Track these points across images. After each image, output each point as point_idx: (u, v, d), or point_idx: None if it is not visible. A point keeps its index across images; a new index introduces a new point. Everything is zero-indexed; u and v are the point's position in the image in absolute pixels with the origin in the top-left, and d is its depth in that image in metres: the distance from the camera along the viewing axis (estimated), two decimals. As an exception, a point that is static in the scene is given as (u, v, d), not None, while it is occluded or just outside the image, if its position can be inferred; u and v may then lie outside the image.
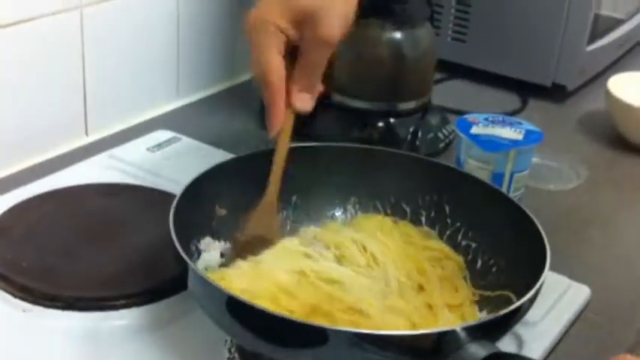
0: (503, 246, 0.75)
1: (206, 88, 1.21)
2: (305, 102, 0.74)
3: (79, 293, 0.73)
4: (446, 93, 1.21)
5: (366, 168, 0.82)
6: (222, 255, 0.76)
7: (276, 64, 0.71)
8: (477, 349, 0.57)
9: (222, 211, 0.76)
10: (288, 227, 0.81)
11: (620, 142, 1.15)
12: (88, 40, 1.00)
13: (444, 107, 1.15)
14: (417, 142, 1.06)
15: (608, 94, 1.15)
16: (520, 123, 0.94)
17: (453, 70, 1.30)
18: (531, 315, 0.73)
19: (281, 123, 0.74)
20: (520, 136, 0.91)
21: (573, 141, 1.16)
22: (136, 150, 1.00)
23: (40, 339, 0.70)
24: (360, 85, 1.06)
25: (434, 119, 1.09)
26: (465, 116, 0.95)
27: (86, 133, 1.04)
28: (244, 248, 0.73)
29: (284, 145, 0.75)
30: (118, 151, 0.99)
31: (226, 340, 0.70)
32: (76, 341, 0.70)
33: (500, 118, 0.94)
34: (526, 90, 1.27)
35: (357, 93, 1.06)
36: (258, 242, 0.73)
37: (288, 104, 0.74)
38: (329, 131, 1.06)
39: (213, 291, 0.62)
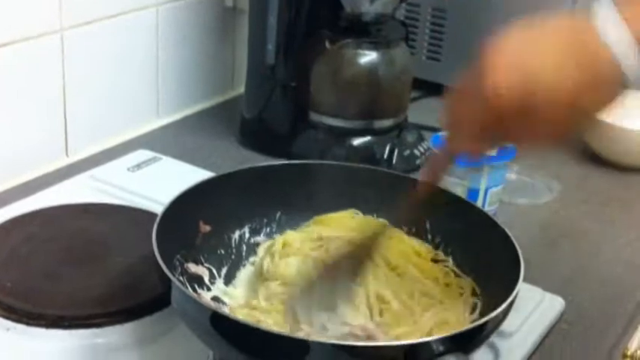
0: (479, 260, 0.77)
1: (186, 108, 1.22)
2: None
3: (63, 312, 0.74)
4: (422, 111, 1.24)
5: (349, 184, 0.84)
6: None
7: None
8: None
9: (206, 228, 0.77)
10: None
11: (591, 158, 1.17)
12: (69, 62, 1.01)
13: (420, 125, 1.17)
14: (394, 160, 1.08)
15: (579, 111, 1.17)
16: (493, 140, 0.96)
17: (428, 88, 1.33)
18: (507, 325, 0.74)
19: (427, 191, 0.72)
20: (493, 152, 0.93)
21: (546, 157, 1.18)
22: (117, 170, 1.01)
23: (23, 358, 0.71)
24: (337, 104, 1.08)
25: (410, 137, 1.12)
26: (440, 133, 0.97)
27: (66, 154, 1.05)
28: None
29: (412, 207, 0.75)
30: (99, 171, 1.00)
31: (208, 355, 0.72)
32: (60, 359, 0.71)
33: (475, 135, 0.96)
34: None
35: (335, 112, 1.08)
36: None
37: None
38: (307, 150, 1.08)
39: (196, 307, 0.64)
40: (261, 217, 0.82)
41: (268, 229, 0.83)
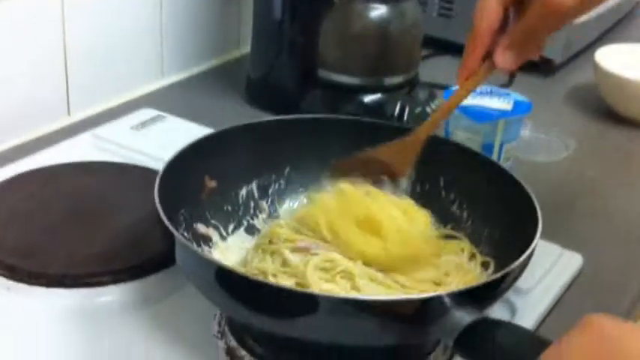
0: (496, 216, 0.74)
1: (191, 67, 1.19)
2: (507, 60, 0.68)
3: (65, 270, 0.72)
4: (433, 69, 1.20)
5: (360, 140, 0.81)
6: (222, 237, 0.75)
7: (490, 8, 0.67)
8: (463, 316, 0.56)
9: (212, 183, 0.75)
10: (288, 200, 0.80)
11: (608, 114, 1.14)
12: (70, 19, 0.98)
13: (432, 83, 1.14)
14: (405, 117, 1.05)
15: (595, 66, 1.14)
16: (508, 94, 0.93)
17: (439, 46, 1.29)
18: (524, 282, 0.72)
19: (471, 71, 0.69)
20: (509, 107, 0.90)
21: (562, 114, 1.16)
22: (120, 129, 0.98)
23: (24, 318, 0.69)
24: (346, 60, 1.05)
25: (422, 94, 1.08)
26: (453, 88, 0.94)
27: (68, 113, 1.02)
28: (359, 166, 0.71)
29: (461, 94, 0.71)
30: (102, 130, 0.98)
31: (215, 314, 0.70)
32: (62, 319, 0.69)
33: (489, 90, 0.93)
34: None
35: (344, 68, 1.05)
36: (377, 168, 0.71)
37: (488, 57, 0.68)
38: (315, 108, 1.05)
39: (201, 262, 0.61)
40: (269, 173, 0.80)
41: (277, 186, 0.80)
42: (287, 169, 0.80)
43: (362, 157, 0.73)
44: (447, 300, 0.57)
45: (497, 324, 0.56)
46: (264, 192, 0.80)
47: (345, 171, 0.73)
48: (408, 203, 0.73)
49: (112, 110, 1.06)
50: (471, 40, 0.68)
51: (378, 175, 0.72)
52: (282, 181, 0.80)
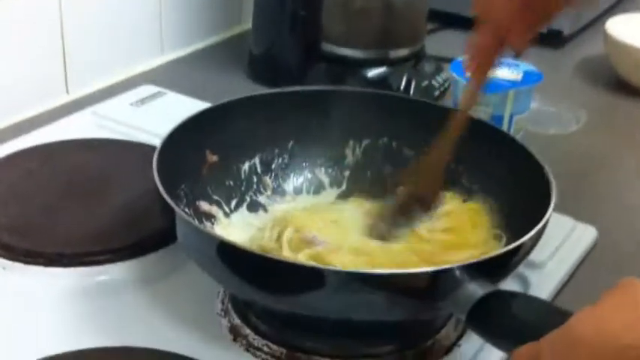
0: (507, 188, 0.72)
1: (192, 44, 1.17)
2: (522, 42, 0.65)
3: (62, 249, 0.69)
4: (439, 43, 1.18)
5: (363, 112, 0.78)
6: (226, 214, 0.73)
7: None
8: (476, 289, 0.54)
9: (213, 157, 0.72)
10: (292, 175, 0.78)
11: (619, 86, 1.11)
12: (66, -6, 0.96)
13: (438, 56, 1.11)
14: (412, 91, 1.02)
15: (606, 36, 1.11)
16: (517, 64, 0.90)
17: (445, 19, 1.26)
18: (537, 256, 0.70)
19: (480, 58, 0.66)
20: (519, 77, 0.87)
21: (572, 86, 1.13)
22: (120, 106, 0.96)
23: (20, 297, 0.67)
24: (350, 32, 1.02)
25: (428, 67, 1.06)
26: (460, 59, 0.91)
27: (67, 91, 1.00)
28: (401, 210, 0.69)
29: (472, 94, 0.68)
30: (101, 107, 0.95)
31: (219, 292, 0.67)
32: (59, 299, 0.67)
33: (497, 60, 0.90)
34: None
35: (348, 41, 1.02)
36: (415, 203, 0.69)
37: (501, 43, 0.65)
38: (319, 82, 1.02)
39: (203, 238, 0.59)
40: (272, 147, 0.77)
41: (280, 160, 0.78)
42: (290, 143, 0.78)
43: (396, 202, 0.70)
44: (458, 273, 0.55)
45: (513, 296, 0.53)
46: (267, 167, 0.77)
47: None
48: None
49: (111, 87, 1.03)
50: (480, 21, 0.65)
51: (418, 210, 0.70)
52: (285, 156, 0.78)
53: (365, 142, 0.78)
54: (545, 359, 0.45)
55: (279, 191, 0.77)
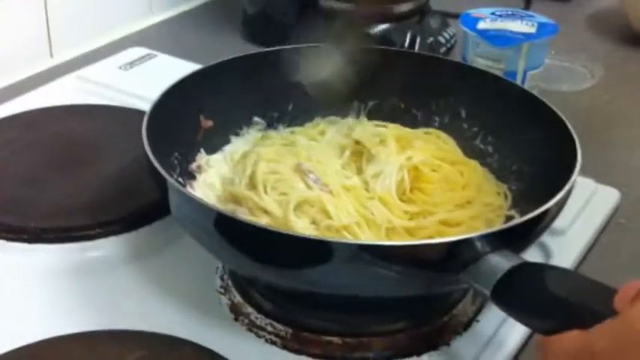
0: (525, 148, 0.67)
1: (182, 3, 1.12)
2: None
3: (48, 224, 0.65)
4: (444, -3, 1.12)
5: (368, 71, 0.73)
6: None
7: None
8: (500, 261, 0.49)
9: (208, 123, 0.67)
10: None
11: (634, 39, 1.07)
12: (46, -50, 0.90)
13: (444, 12, 1.06)
14: (416, 48, 0.97)
15: (620, -14, 1.05)
16: (532, 16, 0.85)
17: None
18: (558, 223, 0.64)
19: None
20: (533, 30, 0.82)
21: (584, 40, 1.08)
22: (107, 69, 0.91)
23: (2, 277, 0.62)
24: (350, -14, 0.97)
25: (433, 22, 1.01)
26: (470, 11, 0.86)
27: (51, 55, 0.95)
28: None
29: None
30: (87, 71, 0.90)
31: (217, 267, 0.63)
32: (46, 277, 0.62)
33: (509, 12, 0.85)
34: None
35: (347, -5, 0.97)
36: None
37: None
38: (318, 41, 0.96)
39: (198, 209, 0.54)
40: (271, 110, 0.72)
41: (280, 125, 0.72)
42: (290, 106, 0.73)
43: None
44: (479, 243, 0.50)
45: (544, 268, 0.49)
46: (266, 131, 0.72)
47: None
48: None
49: (98, 50, 0.98)
50: None
51: None
52: (285, 119, 0.73)
53: (371, 103, 0.73)
54: (603, 356, 0.39)
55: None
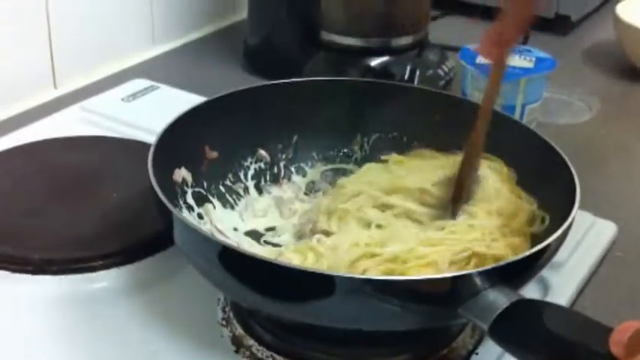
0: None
1: (184, 35, 1.13)
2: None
3: (51, 255, 0.65)
4: (443, 30, 1.13)
5: (369, 104, 0.74)
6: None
7: None
8: (498, 297, 0.50)
9: (213, 154, 0.68)
10: (293, 169, 0.74)
11: (631, 72, 1.08)
12: (52, -16, 0.91)
13: (443, 45, 1.07)
14: (416, 81, 0.98)
15: (617, 21, 1.07)
16: (530, 50, 0.86)
17: (449, 6, 1.22)
18: (556, 256, 0.66)
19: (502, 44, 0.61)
20: (531, 64, 0.83)
21: (582, 73, 1.09)
22: (110, 101, 0.91)
23: (7, 307, 0.62)
24: (350, 20, 0.98)
25: (432, 55, 1.01)
26: (469, 46, 0.87)
27: (54, 86, 0.96)
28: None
29: (495, 83, 0.64)
30: (90, 102, 0.91)
31: (219, 299, 0.63)
32: (50, 308, 0.62)
33: (507, 46, 0.86)
34: (527, 23, 1.19)
35: (348, 29, 0.98)
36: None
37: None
38: (319, 73, 0.98)
39: (203, 241, 0.54)
40: (275, 142, 0.73)
41: (284, 156, 0.73)
42: (295, 137, 0.74)
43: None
44: (477, 279, 0.51)
45: (542, 305, 0.49)
46: (271, 162, 0.73)
47: None
48: None
49: (100, 82, 0.99)
50: None
51: None
52: (289, 151, 0.74)
53: (374, 136, 0.74)
54: None
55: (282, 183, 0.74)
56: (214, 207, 0.68)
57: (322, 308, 0.52)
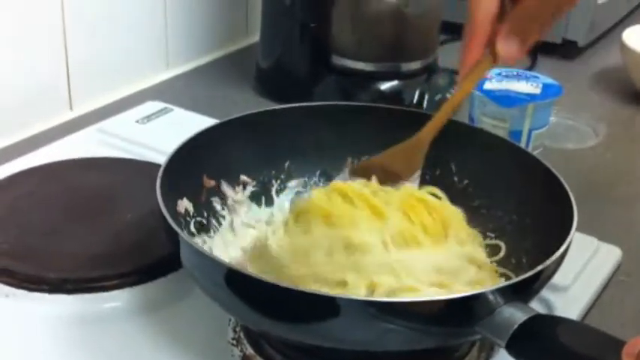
0: (522, 206, 0.68)
1: (198, 58, 1.15)
2: (510, 47, 0.61)
3: (67, 274, 0.66)
4: (452, 54, 1.13)
5: (361, 127, 0.75)
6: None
7: None
8: (514, 313, 0.51)
9: (210, 182, 0.70)
10: (286, 192, 0.75)
11: (637, 97, 1.09)
12: (69, 9, 0.93)
13: (452, 69, 1.08)
14: (425, 105, 1.00)
15: (623, 47, 1.08)
16: (536, 77, 0.87)
17: (458, 31, 1.23)
18: (561, 279, 0.67)
19: (473, 61, 0.63)
20: (537, 90, 0.84)
21: (588, 98, 1.10)
22: (125, 122, 0.93)
23: (24, 325, 0.64)
24: (361, 45, 1.00)
25: (442, 80, 1.03)
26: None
27: (70, 108, 0.98)
28: (363, 172, 0.67)
29: (464, 90, 0.67)
30: (106, 124, 0.93)
31: (230, 319, 0.64)
32: (65, 326, 0.64)
33: (515, 72, 0.88)
34: (535, 48, 1.20)
35: (358, 54, 1.00)
36: (382, 173, 0.67)
37: (491, 46, 0.62)
38: (329, 97, 0.99)
39: (209, 264, 0.55)
40: (268, 168, 0.74)
41: (278, 182, 0.75)
42: (287, 163, 0.75)
43: (370, 163, 0.69)
44: (492, 297, 0.52)
45: (558, 321, 0.50)
46: (263, 190, 0.74)
47: (362, 173, 0.69)
48: None
49: (115, 104, 1.01)
50: (468, 31, 0.62)
51: (387, 180, 0.67)
52: (282, 176, 0.75)
53: (364, 157, 0.74)
54: None
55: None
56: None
57: (329, 330, 0.53)
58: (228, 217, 0.71)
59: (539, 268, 0.54)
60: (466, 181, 0.72)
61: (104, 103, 1.00)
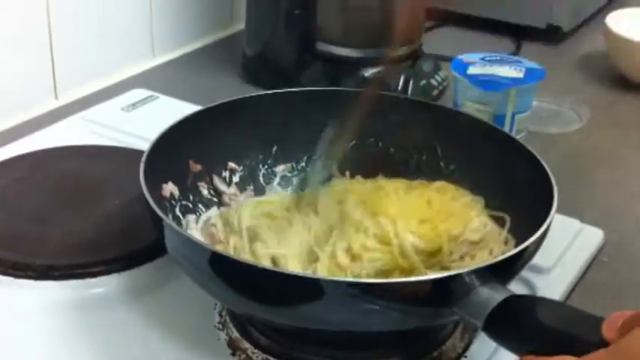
0: (507, 190, 0.69)
1: (183, 46, 1.15)
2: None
3: (53, 261, 0.67)
4: (436, 41, 1.15)
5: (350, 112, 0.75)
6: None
7: None
8: (491, 294, 0.51)
9: (196, 167, 0.70)
10: (277, 178, 0.76)
11: (621, 82, 1.09)
12: (54, -5, 0.93)
13: (437, 55, 1.09)
14: (409, 90, 1.00)
15: (607, 31, 1.09)
16: (519, 61, 0.88)
17: (443, 17, 1.24)
18: (543, 261, 0.68)
19: None
20: (521, 74, 0.85)
21: (572, 83, 1.11)
22: (111, 110, 0.93)
23: (11, 312, 0.64)
24: (346, 31, 1.00)
25: (426, 66, 1.03)
26: (460, 57, 0.89)
27: (55, 97, 0.98)
28: None
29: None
30: (91, 112, 0.93)
31: (216, 304, 0.65)
32: (51, 313, 0.64)
33: (498, 57, 0.89)
34: (519, 33, 1.21)
35: (344, 40, 1.00)
36: None
37: None
38: (315, 83, 1.00)
39: (193, 248, 0.56)
40: (255, 153, 0.75)
41: (265, 167, 0.75)
42: (274, 148, 0.75)
43: None
44: (469, 278, 0.52)
45: (534, 300, 0.51)
46: (251, 175, 0.75)
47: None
48: None
49: (101, 92, 1.01)
50: None
51: None
52: (269, 161, 0.75)
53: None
54: None
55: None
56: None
57: (312, 312, 0.54)
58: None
59: (515, 250, 0.55)
60: (452, 166, 0.73)
61: (89, 92, 1.00)
